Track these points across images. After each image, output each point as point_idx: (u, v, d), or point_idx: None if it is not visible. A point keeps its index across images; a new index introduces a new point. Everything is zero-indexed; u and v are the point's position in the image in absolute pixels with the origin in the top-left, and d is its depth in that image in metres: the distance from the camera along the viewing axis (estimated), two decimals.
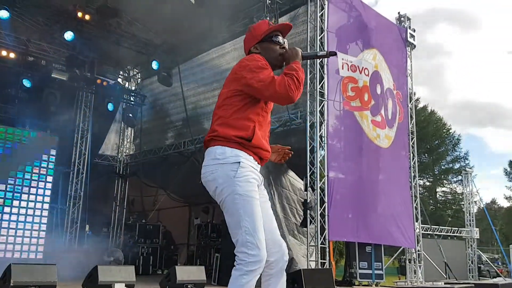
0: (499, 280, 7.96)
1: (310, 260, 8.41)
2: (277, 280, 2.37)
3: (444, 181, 37.75)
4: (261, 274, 2.33)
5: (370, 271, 9.59)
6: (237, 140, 2.30)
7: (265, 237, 2.29)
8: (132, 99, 13.13)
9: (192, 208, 15.36)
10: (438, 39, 66.45)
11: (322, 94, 8.75)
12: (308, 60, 8.66)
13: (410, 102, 11.33)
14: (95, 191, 11.71)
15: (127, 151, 14.75)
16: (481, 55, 69.88)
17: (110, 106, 11.99)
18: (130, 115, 12.68)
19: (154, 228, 13.19)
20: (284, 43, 2.54)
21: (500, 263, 22.45)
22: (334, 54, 2.65)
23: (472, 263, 17.15)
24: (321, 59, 7.77)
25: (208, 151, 2.38)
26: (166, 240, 13.93)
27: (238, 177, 2.25)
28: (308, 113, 8.74)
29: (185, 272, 7.60)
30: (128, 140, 14.81)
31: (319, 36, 8.82)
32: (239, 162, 2.27)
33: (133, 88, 14.12)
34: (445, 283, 7.65)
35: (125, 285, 6.66)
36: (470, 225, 17.74)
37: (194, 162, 11.97)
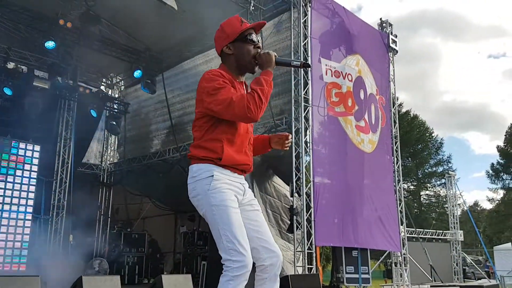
0: (484, 282, 8.05)
1: (297, 266, 8.40)
2: (272, 285, 2.39)
3: (428, 184, 38.24)
4: (254, 279, 2.39)
5: (356, 275, 9.62)
6: (208, 160, 2.38)
7: (257, 243, 2.38)
8: (115, 106, 13.02)
9: (178, 216, 15.25)
10: (421, 45, 67.59)
11: (306, 100, 8.80)
12: (292, 68, 8.72)
13: (393, 107, 11.46)
14: (79, 200, 11.53)
15: (111, 159, 14.60)
16: (462, 60, 71.26)
17: (93, 114, 11.86)
18: (114, 123, 12.56)
19: (139, 236, 13.06)
20: (258, 41, 2.47)
21: (488, 265, 22.71)
22: (308, 66, 2.56)
23: (457, 265, 17.34)
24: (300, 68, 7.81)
25: (189, 169, 2.46)
26: (152, 248, 13.80)
27: (211, 190, 2.31)
28: (293, 119, 8.77)
29: (172, 281, 7.52)
30: (112, 148, 14.67)
31: (303, 42, 8.88)
32: (212, 176, 2.33)
33: (116, 95, 14.01)
34: (431, 286, 7.71)
35: None
36: (454, 228, 17.94)
37: (179, 170, 11.91)
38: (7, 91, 10.00)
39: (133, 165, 13.57)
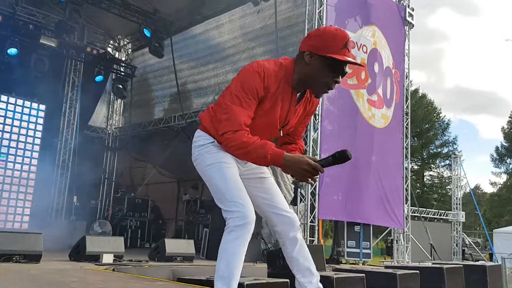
0: (485, 263, 8.03)
1: None
2: (293, 248, 2.36)
3: (432, 165, 38.14)
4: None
5: (358, 250, 9.61)
6: (209, 133, 2.31)
7: (267, 210, 2.36)
8: (122, 69, 12.81)
9: (181, 184, 15.25)
10: (437, 24, 66.32)
11: None
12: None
13: (406, 83, 11.22)
14: (84, 163, 11.49)
15: (116, 124, 14.49)
16: (479, 42, 70.05)
17: (100, 76, 11.67)
18: (120, 86, 12.39)
19: (142, 202, 13.11)
20: (340, 78, 2.12)
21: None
22: (346, 157, 2.13)
23: (456, 245, 17.42)
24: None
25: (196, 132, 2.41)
26: (154, 214, 13.87)
27: (208, 151, 2.26)
28: None
29: (174, 245, 7.53)
30: (118, 113, 14.54)
31: (318, 9, 8.58)
32: (212, 142, 2.27)
33: (123, 58, 13.76)
34: (433, 263, 7.67)
35: (114, 256, 6.54)
36: (456, 209, 17.93)
37: (184, 137, 11.80)
38: (13, 49, 9.79)
39: (138, 130, 13.47)
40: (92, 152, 13.06)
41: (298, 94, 2.19)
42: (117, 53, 13.77)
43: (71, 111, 11.24)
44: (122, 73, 12.60)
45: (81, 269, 5.29)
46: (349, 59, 2.06)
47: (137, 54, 13.92)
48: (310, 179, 2.08)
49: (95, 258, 6.37)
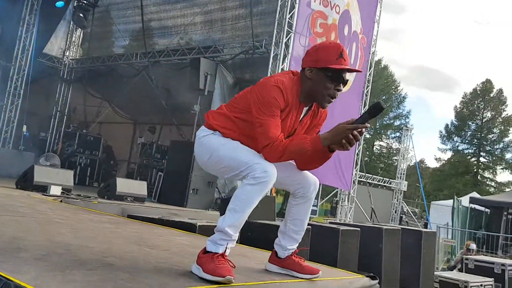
0: (422, 229, 8.56)
1: None
2: (304, 205, 2.41)
3: (383, 135, 39.48)
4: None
5: None
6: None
7: (287, 182, 2.38)
8: None
9: (137, 126, 15.00)
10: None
11: (290, 25, 8.49)
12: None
13: (372, 50, 11.34)
14: (36, 92, 10.99)
15: (73, 55, 13.85)
16: (449, 22, 71.03)
17: (60, 2, 10.97)
18: (81, 15, 11.72)
19: (94, 140, 12.81)
20: (341, 86, 2.22)
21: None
22: (379, 109, 2.10)
23: (395, 212, 18.41)
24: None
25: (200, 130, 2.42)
26: (106, 154, 13.62)
27: (210, 138, 2.30)
28: (273, 44, 8.48)
29: (126, 184, 7.49)
30: (76, 44, 13.87)
31: None
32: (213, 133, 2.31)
33: None
34: (373, 223, 8.10)
35: (62, 189, 6.43)
36: (400, 178, 18.80)
37: (145, 78, 11.49)
38: None
39: (97, 64, 12.95)
40: (45, 82, 12.50)
41: (305, 108, 2.31)
42: None
43: (27, 36, 10.58)
44: (84, 1, 11.90)
45: (29, 196, 5.19)
46: (345, 66, 2.20)
47: None
48: (355, 141, 2.12)
49: (43, 189, 6.24)
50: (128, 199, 7.19)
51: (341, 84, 2.21)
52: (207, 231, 3.79)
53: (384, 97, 38.23)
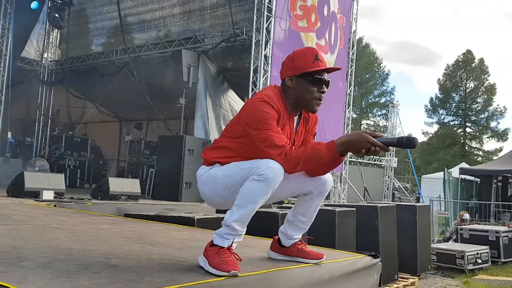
0: (416, 203, 8.68)
1: None
2: (318, 200, 2.37)
3: (370, 114, 39.72)
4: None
5: None
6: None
7: (298, 191, 2.35)
8: None
9: (123, 124, 14.86)
10: None
11: (270, 10, 8.41)
12: None
13: (353, 29, 11.32)
14: (18, 97, 10.79)
15: (52, 57, 13.61)
16: None
17: (34, 3, 10.73)
18: (57, 15, 11.48)
19: (82, 141, 12.68)
20: (324, 85, 2.22)
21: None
22: (412, 145, 2.02)
23: (387, 189, 18.63)
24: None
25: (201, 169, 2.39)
26: (95, 154, 13.50)
27: (212, 170, 2.28)
28: (254, 30, 8.41)
29: (119, 183, 7.44)
30: (54, 44, 13.62)
31: None
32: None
33: None
34: (367, 202, 8.19)
35: (54, 193, 6.37)
36: (389, 155, 18.98)
37: (127, 74, 11.34)
38: None
39: (76, 64, 12.74)
40: (26, 87, 12.28)
41: (295, 118, 2.32)
42: None
43: (3, 41, 10.34)
44: (59, 1, 11.66)
45: (21, 204, 5.13)
46: (323, 67, 2.22)
47: None
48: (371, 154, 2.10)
49: (35, 195, 6.18)
50: (122, 198, 7.15)
51: (324, 86, 2.22)
52: (206, 223, 3.80)
53: (367, 76, 38.42)
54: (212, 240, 2.08)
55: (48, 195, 6.27)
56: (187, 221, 3.76)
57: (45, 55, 13.35)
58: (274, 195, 2.16)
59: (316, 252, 2.42)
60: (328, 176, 2.36)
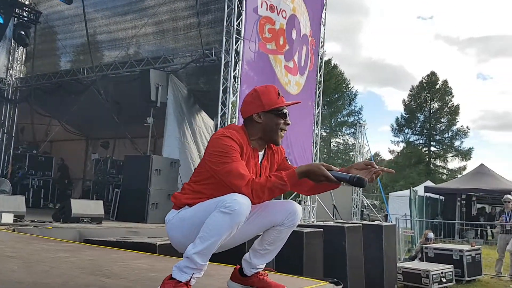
0: (381, 223, 8.80)
1: None
2: (288, 230, 2.38)
3: (339, 132, 40.37)
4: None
5: None
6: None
7: (270, 223, 2.34)
8: (25, 14, 11.63)
9: (89, 142, 14.58)
10: None
11: (239, 32, 8.49)
12: None
13: (321, 52, 11.55)
14: None
15: (17, 74, 13.29)
16: (394, 17, 73.45)
17: None
18: (22, 32, 11.25)
19: (46, 160, 12.33)
20: (288, 119, 2.41)
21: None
22: (362, 185, 2.12)
23: (356, 207, 18.83)
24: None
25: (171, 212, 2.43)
26: (60, 173, 13.15)
27: (181, 213, 2.33)
28: (223, 51, 8.46)
29: (81, 205, 7.20)
30: (19, 62, 13.31)
31: None
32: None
33: (27, 2, 12.48)
34: (336, 222, 8.24)
35: (14, 216, 6.12)
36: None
37: (94, 93, 11.17)
38: None
39: (42, 82, 12.47)
40: None
41: (260, 153, 2.42)
42: None
43: None
44: (25, 18, 11.44)
45: None
46: (288, 103, 2.44)
47: None
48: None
49: None
50: (85, 220, 6.92)
51: (287, 118, 2.42)
52: (168, 250, 3.72)
53: (336, 95, 39.15)
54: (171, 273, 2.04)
55: (7, 218, 6.02)
56: (148, 248, 3.67)
57: (10, 72, 13.03)
58: (246, 232, 2.22)
59: (277, 284, 2.41)
60: (298, 207, 2.39)
